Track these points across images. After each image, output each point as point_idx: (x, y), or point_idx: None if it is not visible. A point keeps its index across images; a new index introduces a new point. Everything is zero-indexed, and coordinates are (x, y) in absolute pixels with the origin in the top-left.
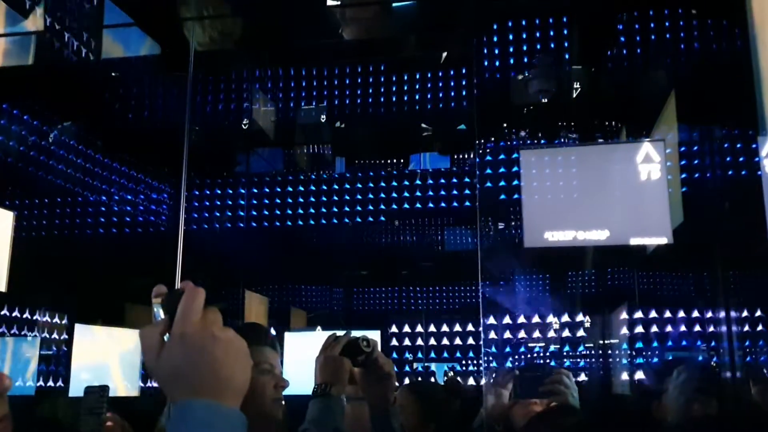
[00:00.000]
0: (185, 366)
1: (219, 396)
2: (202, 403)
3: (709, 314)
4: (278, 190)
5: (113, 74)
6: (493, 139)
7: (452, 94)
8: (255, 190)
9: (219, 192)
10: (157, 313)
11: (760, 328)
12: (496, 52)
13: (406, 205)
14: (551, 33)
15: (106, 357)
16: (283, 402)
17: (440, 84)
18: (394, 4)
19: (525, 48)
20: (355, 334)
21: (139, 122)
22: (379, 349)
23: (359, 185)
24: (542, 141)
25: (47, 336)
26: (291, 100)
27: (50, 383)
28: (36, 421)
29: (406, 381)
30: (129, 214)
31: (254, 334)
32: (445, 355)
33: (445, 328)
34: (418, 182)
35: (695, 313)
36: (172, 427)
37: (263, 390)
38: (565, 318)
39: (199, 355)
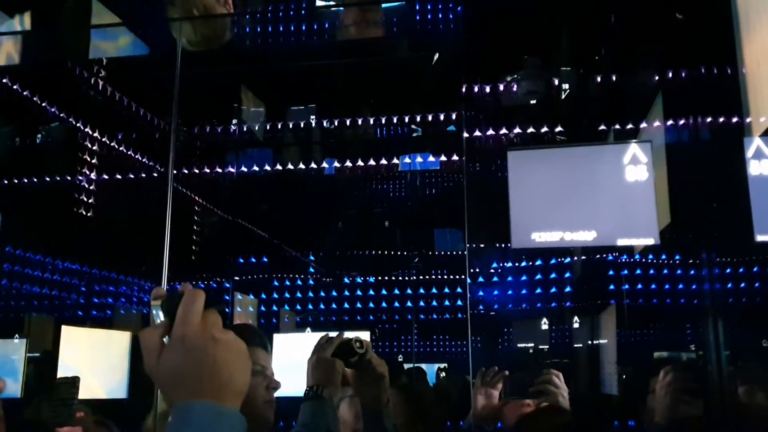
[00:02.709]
0: (186, 368)
1: (219, 397)
2: (202, 405)
3: (697, 314)
4: (267, 190)
5: (101, 74)
6: (481, 140)
7: (441, 94)
8: (244, 190)
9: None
10: (157, 315)
11: (746, 328)
12: (485, 53)
13: (397, 206)
14: (540, 34)
15: (93, 359)
16: (275, 403)
17: (430, 84)
18: (383, 5)
19: (514, 49)
20: (348, 335)
21: (126, 119)
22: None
23: (349, 186)
24: (531, 142)
25: (34, 337)
26: (280, 100)
27: (37, 385)
28: (23, 422)
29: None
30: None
31: (246, 334)
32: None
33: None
34: (408, 182)
35: (683, 314)
36: (173, 428)
37: (254, 391)
38: (554, 318)
39: (199, 356)
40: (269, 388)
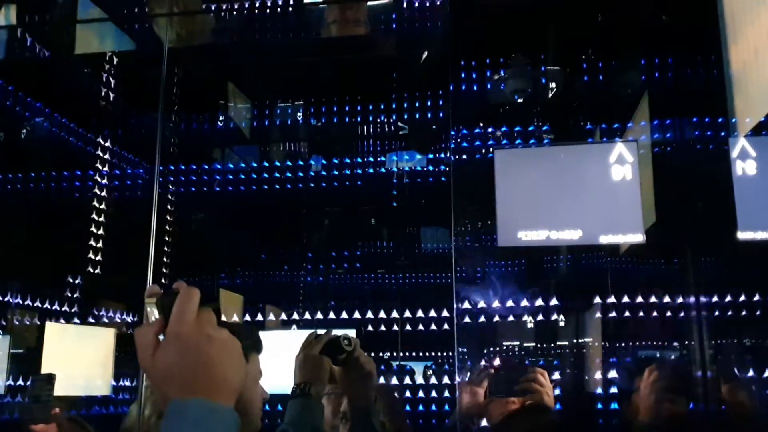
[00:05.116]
0: (180, 365)
1: (213, 395)
2: (197, 402)
3: (681, 314)
4: (254, 188)
5: (86, 70)
6: (468, 138)
7: (429, 93)
8: (230, 188)
9: (194, 189)
10: (151, 313)
11: (730, 328)
12: (472, 51)
13: (383, 204)
14: (527, 33)
15: (78, 355)
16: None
17: (417, 83)
18: (369, 3)
19: (501, 47)
20: (336, 332)
21: (113, 118)
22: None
23: (335, 183)
24: (517, 141)
25: (18, 333)
26: (267, 97)
27: (20, 382)
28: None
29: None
30: (103, 203)
31: (241, 337)
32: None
33: (420, 327)
34: (394, 181)
35: (668, 313)
36: (167, 425)
37: (254, 402)
38: (539, 317)
39: (194, 354)
40: (262, 398)
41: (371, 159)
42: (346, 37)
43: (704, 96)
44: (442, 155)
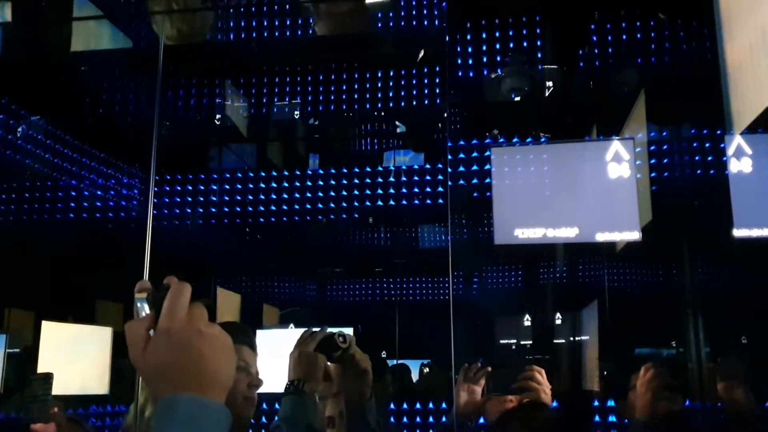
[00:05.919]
0: (171, 361)
1: (204, 390)
2: (188, 398)
3: (677, 311)
4: (251, 186)
5: (82, 68)
6: (465, 136)
7: (426, 91)
8: (227, 186)
9: (190, 188)
10: (142, 308)
11: (726, 325)
12: (469, 50)
13: (380, 202)
14: (524, 32)
15: (74, 355)
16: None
17: (414, 81)
18: (367, 0)
19: (498, 46)
20: (331, 330)
21: (109, 117)
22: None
23: (333, 182)
24: (514, 139)
25: (14, 333)
26: (264, 96)
27: (17, 381)
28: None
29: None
30: (100, 202)
31: (232, 331)
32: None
33: (417, 325)
34: (391, 179)
35: (663, 310)
36: (158, 421)
37: (234, 387)
38: (536, 314)
39: (185, 350)
40: (251, 385)
41: (368, 158)
42: (344, 35)
43: (700, 94)
44: (440, 154)
